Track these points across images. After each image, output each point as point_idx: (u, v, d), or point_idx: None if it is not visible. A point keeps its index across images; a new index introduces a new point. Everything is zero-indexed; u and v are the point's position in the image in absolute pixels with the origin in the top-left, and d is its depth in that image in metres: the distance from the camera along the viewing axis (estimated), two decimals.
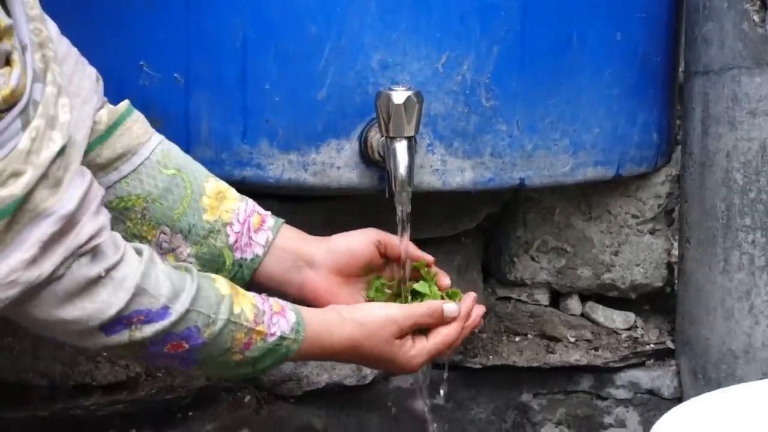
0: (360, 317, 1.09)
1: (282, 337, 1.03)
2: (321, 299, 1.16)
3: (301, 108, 1.32)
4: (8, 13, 0.84)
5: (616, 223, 1.63)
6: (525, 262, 1.68)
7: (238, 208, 1.15)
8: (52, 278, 0.87)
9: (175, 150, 1.14)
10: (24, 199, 0.82)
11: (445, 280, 1.21)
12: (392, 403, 1.60)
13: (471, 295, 1.20)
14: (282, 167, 1.34)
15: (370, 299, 1.19)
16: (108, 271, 0.90)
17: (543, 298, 1.72)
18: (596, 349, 1.62)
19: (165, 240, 1.11)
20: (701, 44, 1.46)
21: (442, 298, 1.19)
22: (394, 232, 1.21)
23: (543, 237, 1.66)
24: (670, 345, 1.64)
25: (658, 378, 1.63)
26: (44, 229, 0.84)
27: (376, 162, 1.32)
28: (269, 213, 1.18)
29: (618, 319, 1.68)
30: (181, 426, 1.52)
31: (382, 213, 1.24)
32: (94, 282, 0.89)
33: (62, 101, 0.88)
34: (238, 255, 1.14)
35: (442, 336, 1.14)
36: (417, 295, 1.20)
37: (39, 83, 0.86)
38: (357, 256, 1.18)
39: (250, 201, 1.17)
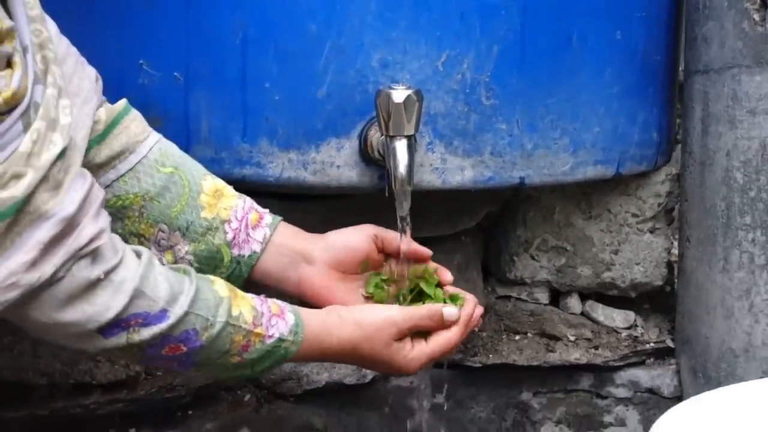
0: (359, 319, 1.09)
1: (280, 339, 1.03)
2: (319, 296, 1.16)
3: (301, 106, 1.32)
4: (9, 14, 0.84)
5: (616, 222, 1.63)
6: (525, 261, 1.68)
7: (236, 205, 1.15)
8: (53, 280, 0.87)
9: (172, 148, 1.14)
10: (24, 202, 0.82)
11: (447, 275, 1.21)
12: (392, 402, 1.60)
13: (472, 301, 1.19)
14: (282, 166, 1.34)
15: (369, 295, 1.19)
16: (107, 273, 0.90)
17: (543, 296, 1.72)
18: (596, 347, 1.62)
19: (163, 238, 1.11)
20: (701, 43, 1.46)
21: (445, 301, 1.19)
22: (394, 230, 1.21)
23: (543, 236, 1.66)
24: (670, 344, 1.64)
25: (658, 377, 1.63)
26: (45, 231, 0.84)
27: (376, 161, 1.32)
28: (267, 210, 1.18)
29: (618, 317, 1.68)
30: (181, 425, 1.52)
31: (382, 212, 1.24)
32: (93, 285, 0.89)
33: (63, 103, 0.88)
34: (236, 252, 1.14)
35: (442, 340, 1.14)
36: (419, 296, 1.20)
37: (40, 85, 0.86)
38: (354, 251, 1.18)
39: (248, 199, 1.17)
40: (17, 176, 0.82)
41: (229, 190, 1.16)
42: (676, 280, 1.64)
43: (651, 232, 1.63)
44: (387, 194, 1.23)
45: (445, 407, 1.61)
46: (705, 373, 1.50)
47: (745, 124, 1.40)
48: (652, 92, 1.52)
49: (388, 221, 1.21)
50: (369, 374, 1.56)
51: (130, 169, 1.09)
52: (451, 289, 1.21)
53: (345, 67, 1.31)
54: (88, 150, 1.03)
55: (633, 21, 1.46)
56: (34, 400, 1.43)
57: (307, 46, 1.30)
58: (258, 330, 1.01)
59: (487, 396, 1.65)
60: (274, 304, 1.05)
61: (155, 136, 1.13)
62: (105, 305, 0.90)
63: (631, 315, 1.69)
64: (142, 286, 0.93)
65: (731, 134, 1.41)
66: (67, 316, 0.89)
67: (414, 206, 1.20)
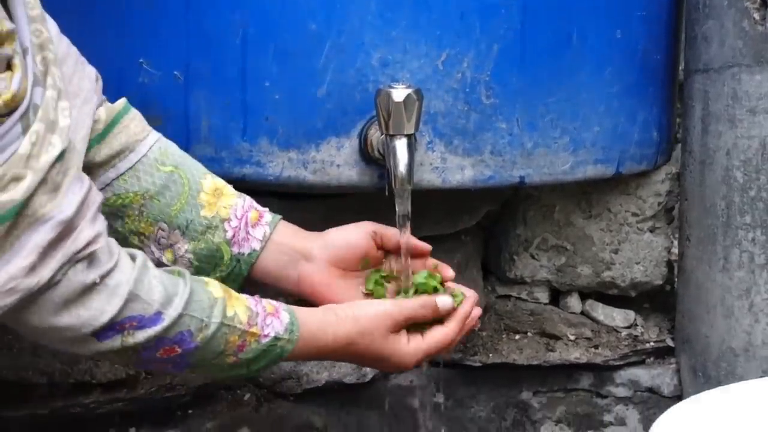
0: (354, 313, 1.09)
1: (276, 338, 1.03)
2: (318, 293, 1.16)
3: (301, 106, 1.32)
4: (9, 14, 0.84)
5: (616, 221, 1.63)
6: (525, 260, 1.68)
7: (236, 204, 1.15)
8: (50, 285, 0.86)
9: (172, 147, 1.14)
10: (24, 204, 0.82)
11: (449, 272, 1.21)
12: (392, 401, 1.60)
13: (471, 298, 1.19)
14: (282, 165, 1.34)
15: (368, 292, 1.19)
16: (102, 277, 0.90)
17: (543, 296, 1.72)
18: (596, 347, 1.62)
19: (163, 236, 1.11)
20: (701, 42, 1.46)
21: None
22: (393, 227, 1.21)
23: (543, 235, 1.66)
24: (670, 343, 1.64)
25: (657, 376, 1.63)
26: (43, 234, 0.84)
27: (375, 160, 1.31)
28: (266, 209, 1.18)
29: (618, 317, 1.68)
30: (181, 424, 1.52)
31: (382, 211, 1.24)
32: (89, 289, 0.89)
33: (62, 105, 0.87)
34: (235, 250, 1.14)
35: (438, 335, 1.14)
36: (419, 289, 1.20)
37: (39, 87, 0.85)
38: (354, 248, 1.18)
39: (248, 197, 1.17)
40: (17, 179, 0.82)
41: (229, 188, 1.16)
42: (676, 280, 1.64)
43: (651, 231, 1.63)
44: (387, 193, 1.22)
45: (445, 406, 1.61)
46: (705, 373, 1.50)
47: (745, 123, 1.40)
48: (652, 91, 1.52)
49: (388, 220, 1.20)
50: (369, 373, 1.56)
51: (130, 168, 1.09)
52: (453, 286, 1.21)
53: (345, 66, 1.31)
54: (88, 149, 1.03)
55: (633, 20, 1.46)
56: (34, 400, 1.43)
57: (307, 46, 1.30)
58: (253, 330, 1.01)
59: (487, 395, 1.65)
60: (269, 303, 1.05)
61: (155, 135, 1.13)
62: (100, 309, 0.90)
63: (631, 314, 1.69)
64: (136, 289, 0.92)
65: (731, 133, 1.41)
66: (63, 320, 0.89)
67: (414, 205, 1.20)
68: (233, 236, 1.13)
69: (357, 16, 1.30)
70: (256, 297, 1.05)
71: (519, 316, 1.69)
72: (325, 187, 1.36)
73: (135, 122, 1.11)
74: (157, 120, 1.17)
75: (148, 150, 1.11)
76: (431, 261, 1.21)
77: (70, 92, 0.97)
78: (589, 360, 1.60)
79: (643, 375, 1.63)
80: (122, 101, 1.12)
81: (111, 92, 1.11)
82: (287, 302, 1.08)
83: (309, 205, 1.47)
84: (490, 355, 1.60)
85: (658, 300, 1.72)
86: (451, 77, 1.33)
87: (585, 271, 1.66)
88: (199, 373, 1.36)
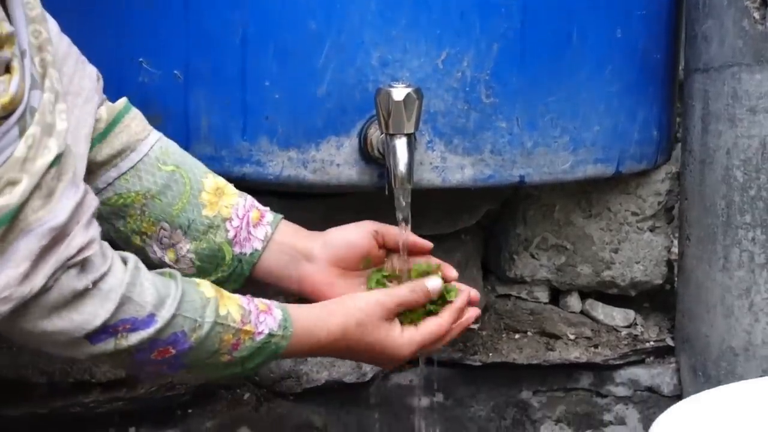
0: (346, 306, 1.09)
1: (270, 335, 1.03)
2: (320, 293, 1.16)
3: (301, 105, 1.32)
4: (9, 16, 0.83)
5: (616, 221, 1.63)
6: (525, 260, 1.68)
7: (237, 203, 1.15)
8: (42, 291, 0.86)
9: (173, 147, 1.14)
10: (19, 209, 0.82)
11: (451, 272, 1.20)
12: (392, 400, 1.60)
13: (467, 291, 1.19)
14: (282, 164, 1.34)
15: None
16: (95, 282, 0.90)
17: (543, 295, 1.72)
18: (596, 346, 1.62)
19: (165, 236, 1.11)
20: (701, 41, 1.46)
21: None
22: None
23: (543, 234, 1.66)
24: (670, 342, 1.64)
25: (657, 375, 1.63)
26: (36, 241, 0.83)
27: (375, 159, 1.31)
28: (268, 209, 1.18)
29: (618, 316, 1.68)
30: (181, 423, 1.52)
31: (382, 210, 1.24)
32: (81, 294, 0.89)
33: (60, 107, 0.87)
34: (237, 250, 1.14)
35: (432, 326, 1.13)
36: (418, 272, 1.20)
37: (37, 90, 0.85)
38: (355, 247, 1.18)
39: (249, 197, 1.17)
40: (12, 183, 0.81)
41: (230, 188, 1.16)
42: (676, 279, 1.64)
43: (651, 230, 1.63)
44: (387, 192, 1.22)
45: (445, 406, 1.61)
46: (705, 372, 1.50)
47: (745, 123, 1.40)
48: (652, 90, 1.52)
49: (388, 219, 1.20)
50: (369, 372, 1.56)
51: (132, 167, 1.09)
52: (455, 286, 1.21)
53: (345, 66, 1.31)
54: (89, 149, 1.03)
55: (633, 19, 1.46)
56: (34, 399, 1.43)
57: (307, 45, 1.30)
58: (247, 327, 1.01)
59: (486, 395, 1.65)
60: (261, 302, 1.05)
61: (156, 135, 1.13)
62: (93, 313, 0.90)
63: (630, 313, 1.69)
64: (129, 292, 0.92)
65: (731, 132, 1.41)
66: (55, 324, 0.88)
67: (414, 204, 1.20)
68: (235, 236, 1.13)
69: (357, 15, 1.30)
70: (248, 296, 1.05)
71: (519, 315, 1.69)
72: (325, 187, 1.36)
73: (136, 121, 1.11)
74: (157, 119, 1.17)
75: (150, 149, 1.11)
76: (434, 261, 1.21)
77: (71, 91, 0.97)
78: (588, 359, 1.60)
79: (643, 374, 1.63)
80: (123, 100, 1.12)
81: (111, 91, 1.11)
82: (288, 302, 1.08)
83: (309, 205, 1.46)
84: (490, 354, 1.60)
85: (658, 299, 1.72)
86: (451, 76, 1.33)
87: (585, 271, 1.66)
88: (194, 374, 1.36)
